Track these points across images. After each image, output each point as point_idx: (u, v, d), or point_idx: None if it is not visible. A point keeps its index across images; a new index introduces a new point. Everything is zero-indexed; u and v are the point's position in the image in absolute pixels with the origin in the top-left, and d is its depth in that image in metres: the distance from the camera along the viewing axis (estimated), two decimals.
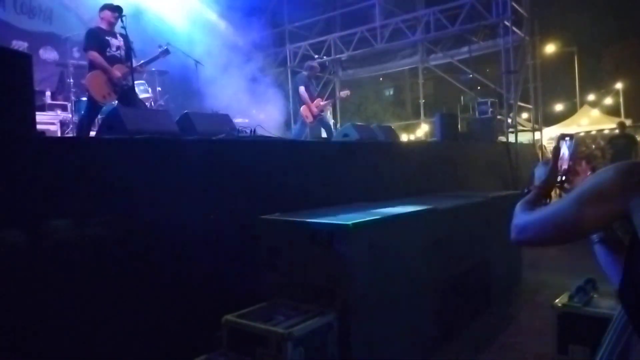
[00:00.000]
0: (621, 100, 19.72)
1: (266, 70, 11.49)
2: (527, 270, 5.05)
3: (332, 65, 13.44)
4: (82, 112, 5.67)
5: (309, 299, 2.74)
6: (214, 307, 2.73)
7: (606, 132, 14.51)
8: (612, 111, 18.98)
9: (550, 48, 17.30)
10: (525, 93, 11.37)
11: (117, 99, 5.19)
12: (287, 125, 10.43)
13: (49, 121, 6.80)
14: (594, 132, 15.50)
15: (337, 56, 12.77)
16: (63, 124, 6.90)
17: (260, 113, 9.69)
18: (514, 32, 10.19)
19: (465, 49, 12.12)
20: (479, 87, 13.07)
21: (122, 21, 5.21)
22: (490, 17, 10.26)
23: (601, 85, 21.85)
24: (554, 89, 19.44)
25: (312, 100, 7.59)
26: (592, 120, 16.71)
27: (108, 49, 5.20)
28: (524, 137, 11.81)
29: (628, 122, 14.12)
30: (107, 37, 5.22)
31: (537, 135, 12.24)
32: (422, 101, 14.16)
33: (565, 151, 1.25)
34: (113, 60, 5.20)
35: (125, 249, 2.81)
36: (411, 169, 5.68)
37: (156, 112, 5.57)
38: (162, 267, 2.95)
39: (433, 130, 10.44)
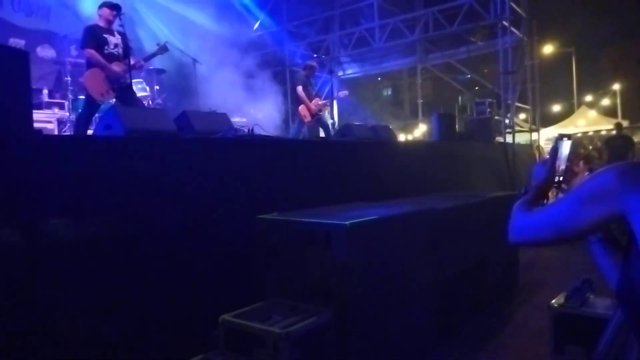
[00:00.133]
0: (618, 101, 19.79)
1: (264, 70, 11.48)
2: (524, 271, 5.06)
3: (331, 64, 13.45)
4: (80, 110, 5.65)
5: (307, 298, 2.74)
6: (210, 307, 2.72)
7: (603, 133, 14.55)
8: (610, 112, 19.04)
9: (548, 49, 17.33)
10: (523, 93, 11.39)
11: (115, 97, 5.17)
12: (285, 124, 10.43)
13: (46, 119, 6.78)
14: (591, 133, 15.55)
15: (336, 55, 12.77)
16: (60, 122, 6.88)
17: (258, 112, 9.69)
18: (512, 32, 10.21)
19: (463, 49, 12.15)
20: (476, 88, 13.12)
21: (120, 19, 5.20)
22: (488, 17, 10.28)
23: (599, 86, 21.91)
24: (551, 89, 19.47)
25: (311, 99, 7.59)
26: (589, 121, 16.76)
27: (106, 47, 5.17)
28: (522, 138, 11.85)
29: (625, 123, 14.18)
30: (104, 35, 5.20)
31: (535, 135, 12.28)
32: (420, 101, 14.14)
33: (562, 152, 1.25)
34: (111, 58, 5.18)
35: (121, 248, 2.81)
36: (409, 169, 5.69)
37: (154, 110, 5.56)
38: (159, 266, 2.95)
39: (431, 131, 10.46)
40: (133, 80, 5.49)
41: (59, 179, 2.59)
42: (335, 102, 12.17)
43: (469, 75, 12.07)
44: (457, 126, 9.27)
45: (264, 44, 12.71)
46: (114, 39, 5.27)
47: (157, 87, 7.88)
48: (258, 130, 4.75)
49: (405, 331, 3.08)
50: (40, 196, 2.51)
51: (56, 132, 6.65)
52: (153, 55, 5.73)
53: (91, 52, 5.09)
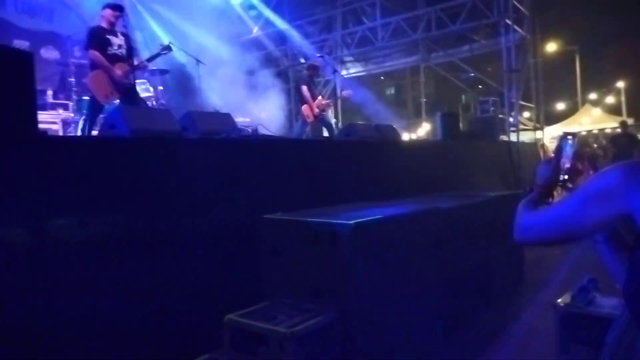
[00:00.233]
0: (623, 99, 19.71)
1: (267, 69, 11.50)
2: (529, 269, 5.04)
3: (334, 64, 13.45)
4: (84, 111, 5.67)
5: (311, 298, 2.74)
6: (215, 307, 2.73)
7: (608, 131, 14.51)
8: (614, 110, 18.97)
9: (551, 46, 17.28)
10: (526, 92, 11.36)
11: (119, 98, 5.19)
12: (288, 124, 10.43)
13: (50, 120, 6.82)
14: (595, 131, 15.51)
15: (339, 55, 12.77)
16: (65, 123, 6.91)
17: (262, 112, 9.71)
18: (515, 30, 10.18)
19: (466, 47, 12.12)
20: (480, 86, 13.08)
21: (123, 19, 5.21)
22: (491, 15, 10.25)
23: (603, 84, 21.82)
24: (555, 87, 19.39)
25: (314, 99, 7.58)
26: (593, 119, 16.71)
27: (109, 48, 5.19)
28: (526, 136, 11.80)
29: (630, 121, 14.13)
30: (108, 36, 5.21)
31: (539, 134, 12.23)
32: (423, 100, 14.14)
33: (567, 150, 1.25)
34: (114, 58, 5.20)
35: (127, 248, 2.82)
36: (413, 168, 5.68)
37: (158, 111, 5.57)
38: (164, 266, 2.96)
39: (434, 129, 10.44)
40: (137, 81, 5.50)
41: (65, 180, 2.60)
42: (339, 102, 12.18)
43: (472, 74, 12.03)
44: (461, 125, 9.25)
45: (267, 44, 12.73)
46: (117, 40, 5.29)
47: (160, 88, 7.89)
48: (261, 130, 4.76)
49: (410, 330, 3.08)
50: (46, 197, 2.52)
51: (61, 133, 6.68)
52: (157, 55, 5.73)
53: (95, 53, 5.11)
